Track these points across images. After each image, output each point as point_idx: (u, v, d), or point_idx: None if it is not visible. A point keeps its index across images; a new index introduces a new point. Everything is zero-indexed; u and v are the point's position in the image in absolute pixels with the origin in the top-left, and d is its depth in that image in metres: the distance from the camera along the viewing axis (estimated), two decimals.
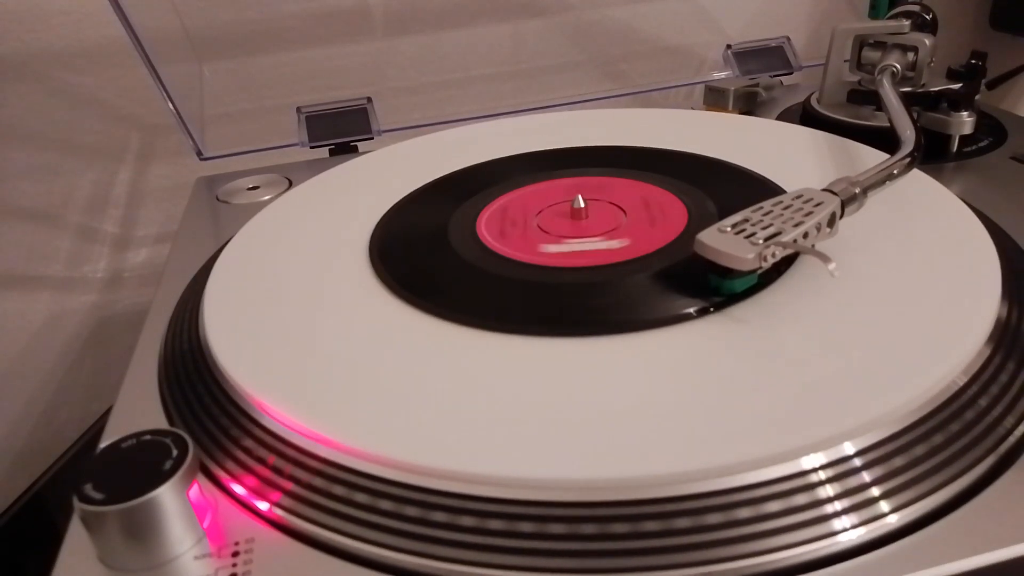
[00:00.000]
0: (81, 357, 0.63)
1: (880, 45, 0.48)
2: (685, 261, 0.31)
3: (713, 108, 0.56)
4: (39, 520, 0.54)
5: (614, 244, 0.33)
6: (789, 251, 0.28)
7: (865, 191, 0.31)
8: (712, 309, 0.28)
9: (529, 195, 0.39)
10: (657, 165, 0.41)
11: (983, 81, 0.46)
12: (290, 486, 0.23)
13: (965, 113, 0.44)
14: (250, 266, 0.35)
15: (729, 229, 0.29)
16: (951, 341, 0.25)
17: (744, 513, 0.21)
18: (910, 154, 0.35)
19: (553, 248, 0.33)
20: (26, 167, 0.58)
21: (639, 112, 0.51)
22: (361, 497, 0.23)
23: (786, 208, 0.30)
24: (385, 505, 0.22)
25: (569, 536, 0.21)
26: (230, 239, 0.38)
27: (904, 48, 0.47)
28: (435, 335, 0.29)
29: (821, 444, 0.22)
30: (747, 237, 0.28)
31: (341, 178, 0.44)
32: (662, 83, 0.65)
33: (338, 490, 0.23)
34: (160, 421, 0.28)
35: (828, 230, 0.30)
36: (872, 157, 0.39)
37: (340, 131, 0.54)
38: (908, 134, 0.37)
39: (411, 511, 0.22)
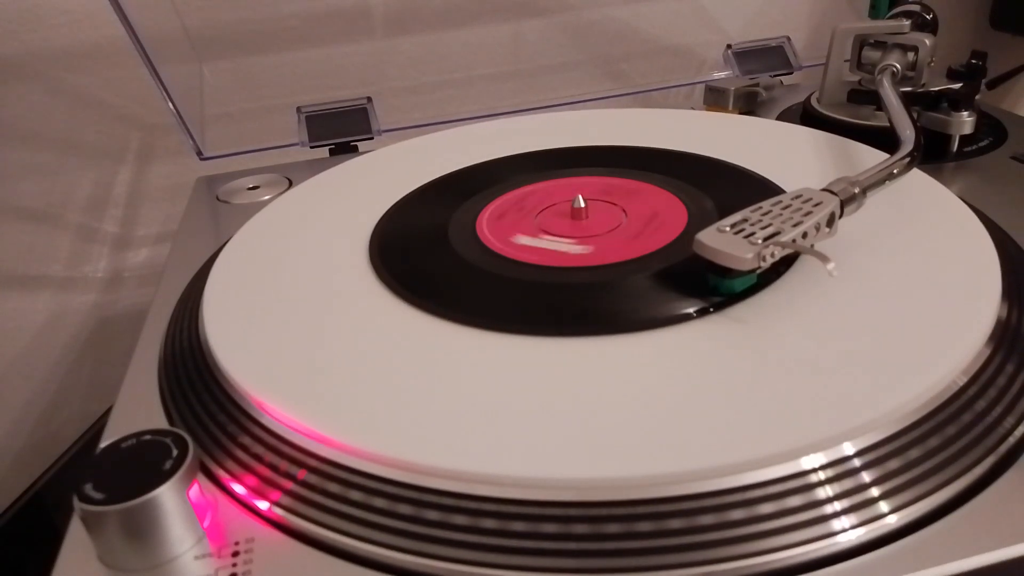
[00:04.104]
0: (81, 357, 0.63)
1: (880, 45, 0.48)
2: (685, 261, 0.31)
3: (713, 108, 0.56)
4: (39, 520, 0.54)
5: (577, 249, 0.33)
6: (788, 251, 0.28)
7: (864, 191, 0.31)
8: (712, 309, 0.28)
9: (529, 195, 0.39)
10: (657, 165, 0.41)
11: (983, 81, 0.46)
12: (290, 485, 0.23)
13: (965, 113, 0.44)
14: (250, 266, 0.35)
15: (728, 229, 0.29)
16: (951, 341, 0.25)
17: (743, 513, 0.21)
18: (909, 154, 0.35)
19: (525, 240, 0.33)
20: (26, 167, 0.58)
21: (639, 112, 0.51)
22: (361, 496, 0.23)
23: (785, 208, 0.30)
24: (385, 504, 0.22)
25: (570, 536, 0.21)
26: (230, 239, 0.38)
27: (904, 48, 0.47)
28: (435, 335, 0.29)
29: (821, 444, 0.22)
30: (746, 237, 0.28)
31: (341, 178, 0.44)
32: (662, 83, 0.65)
33: (338, 489, 0.23)
34: (160, 421, 0.28)
35: (827, 230, 0.30)
36: (872, 157, 0.39)
37: (340, 131, 0.54)
38: (908, 134, 0.37)
39: (411, 510, 0.22)
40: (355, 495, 0.23)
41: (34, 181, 0.58)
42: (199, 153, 0.52)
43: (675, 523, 0.21)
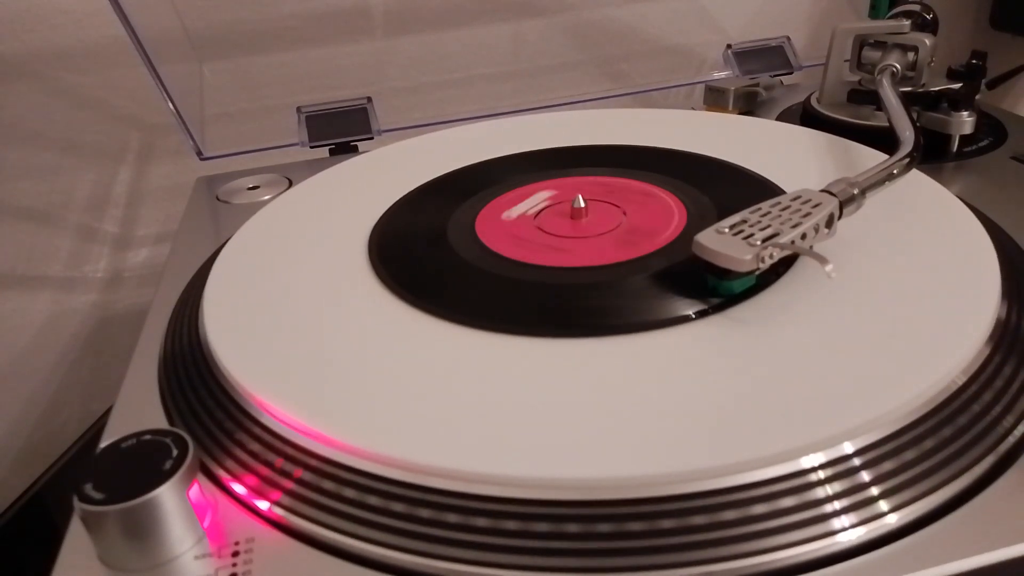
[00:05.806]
0: (81, 357, 0.63)
1: (880, 45, 0.48)
2: (684, 262, 0.31)
3: (713, 108, 0.56)
4: (39, 520, 0.54)
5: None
6: (787, 252, 0.28)
7: (863, 192, 0.31)
8: (711, 310, 0.28)
9: (529, 195, 0.39)
10: (657, 165, 0.41)
11: (983, 81, 0.46)
12: (290, 485, 0.23)
13: (965, 113, 0.44)
14: (250, 266, 0.35)
15: (727, 230, 0.29)
16: (951, 341, 0.25)
17: (744, 513, 0.21)
18: (909, 154, 0.35)
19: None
20: (26, 167, 0.58)
21: (639, 112, 0.51)
22: (360, 496, 0.23)
23: (784, 209, 0.30)
24: (384, 504, 0.22)
25: (565, 536, 0.21)
26: (230, 239, 0.38)
27: (904, 48, 0.47)
28: (434, 335, 0.29)
29: (821, 444, 0.22)
30: (745, 238, 0.28)
31: (341, 178, 0.44)
32: (662, 83, 0.65)
33: (338, 489, 0.23)
34: (160, 421, 0.28)
35: (826, 231, 0.30)
36: (872, 157, 0.39)
37: (340, 131, 0.54)
38: (907, 134, 0.37)
39: (410, 510, 0.22)
40: (355, 495, 0.23)
41: (34, 181, 0.58)
42: (199, 153, 0.52)
43: (674, 523, 0.21)
